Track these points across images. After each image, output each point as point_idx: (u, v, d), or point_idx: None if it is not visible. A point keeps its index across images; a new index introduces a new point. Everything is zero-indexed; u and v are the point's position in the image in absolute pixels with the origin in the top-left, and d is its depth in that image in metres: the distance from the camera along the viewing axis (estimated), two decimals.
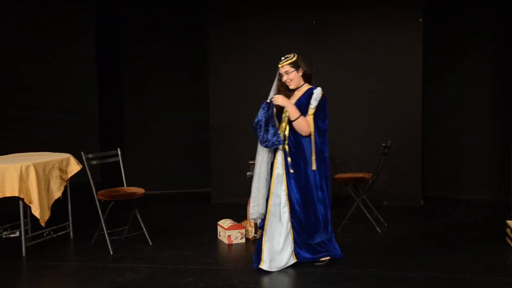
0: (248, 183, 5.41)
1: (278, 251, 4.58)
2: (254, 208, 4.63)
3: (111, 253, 5.11)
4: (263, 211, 4.60)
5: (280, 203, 4.60)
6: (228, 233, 5.41)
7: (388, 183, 6.89)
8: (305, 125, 4.48)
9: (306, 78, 4.66)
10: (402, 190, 6.92)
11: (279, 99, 4.51)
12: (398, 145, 6.59)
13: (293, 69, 4.58)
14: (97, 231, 5.40)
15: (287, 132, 4.58)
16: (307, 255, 4.63)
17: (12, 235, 5.72)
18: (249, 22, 7.11)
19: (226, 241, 5.42)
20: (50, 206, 5.24)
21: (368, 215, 5.83)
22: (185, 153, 8.05)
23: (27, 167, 5.03)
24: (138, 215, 5.38)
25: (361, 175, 5.91)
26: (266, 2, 7.08)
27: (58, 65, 7.05)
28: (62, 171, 5.42)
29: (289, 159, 4.56)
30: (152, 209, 6.89)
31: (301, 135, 4.52)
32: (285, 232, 4.59)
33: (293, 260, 4.62)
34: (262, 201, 4.61)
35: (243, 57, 7.13)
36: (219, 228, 5.60)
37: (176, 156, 8.02)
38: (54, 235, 5.55)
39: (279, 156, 4.61)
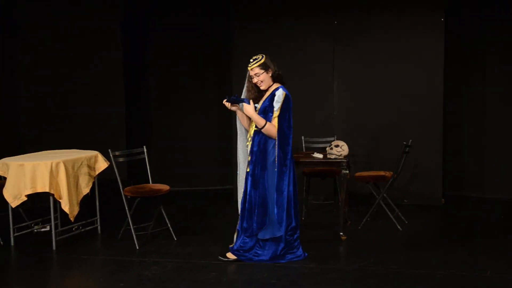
0: None
1: None
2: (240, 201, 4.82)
3: (137, 247, 5.16)
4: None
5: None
6: None
7: (409, 182, 6.83)
8: (273, 130, 4.54)
9: (276, 78, 4.69)
10: (423, 189, 6.85)
11: (248, 109, 4.58)
12: (419, 144, 6.52)
13: (262, 71, 4.61)
14: (123, 227, 5.46)
15: (252, 132, 4.65)
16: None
17: (43, 229, 5.81)
18: (272, 23, 7.10)
19: None
20: (78, 201, 5.30)
21: (389, 213, 5.78)
22: (209, 151, 8.08)
23: (57, 164, 5.10)
24: (163, 211, 5.42)
25: (382, 173, 5.86)
26: (288, 4, 7.06)
27: (86, 67, 7.14)
28: (90, 168, 5.49)
29: (248, 157, 4.67)
30: (177, 206, 6.93)
31: (266, 137, 4.57)
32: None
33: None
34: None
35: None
36: None
37: (200, 154, 8.06)
38: (82, 230, 5.62)
39: (249, 154, 4.71)
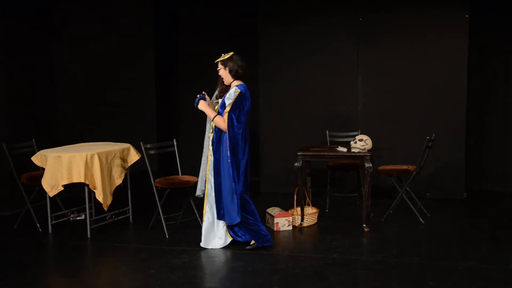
0: (295, 173, 5.42)
1: (207, 228, 4.87)
2: (198, 187, 5.04)
3: (167, 236, 5.21)
4: (202, 187, 5.00)
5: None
6: (276, 220, 5.42)
7: (432, 175, 6.75)
8: (221, 123, 4.74)
9: (236, 76, 4.83)
10: (445, 182, 6.75)
11: (200, 105, 4.90)
12: (443, 138, 6.43)
13: (222, 67, 4.85)
14: (154, 216, 5.52)
15: (213, 124, 4.84)
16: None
17: (78, 218, 5.91)
18: (297, 21, 7.06)
19: (273, 228, 5.44)
20: (112, 192, 5.37)
21: (411, 206, 5.72)
22: None
23: (92, 156, 5.18)
24: (192, 202, 5.46)
25: (405, 167, 5.80)
26: (313, 2, 7.00)
27: (119, 64, 7.21)
28: (123, 160, 5.55)
29: (210, 147, 4.86)
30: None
31: (221, 129, 4.76)
32: (212, 213, 4.87)
33: (229, 239, 4.89)
34: (200, 182, 5.02)
35: (291, 55, 7.10)
36: (267, 216, 5.62)
37: None
38: (115, 219, 5.70)
39: (210, 145, 4.90)
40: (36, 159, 5.35)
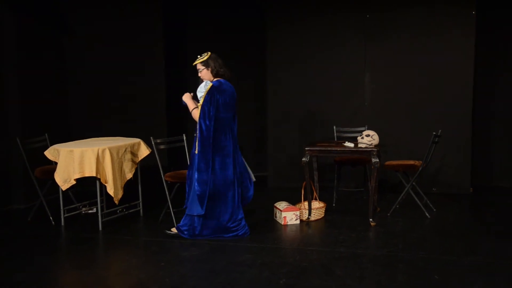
0: (302, 167, 5.41)
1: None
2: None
3: None
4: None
5: None
6: (284, 214, 5.42)
7: (438, 171, 6.71)
8: (196, 115, 4.82)
9: (217, 75, 4.91)
10: (451, 178, 6.71)
11: (184, 96, 4.96)
12: (449, 134, 6.39)
13: (203, 67, 4.90)
14: (164, 210, 5.54)
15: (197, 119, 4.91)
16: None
17: (90, 211, 5.94)
18: (305, 18, 7.03)
19: (281, 222, 5.44)
20: (122, 186, 5.39)
21: (417, 201, 5.69)
22: (244, 139, 8.08)
23: (103, 150, 5.19)
24: None
25: (411, 162, 5.77)
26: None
27: (130, 61, 7.21)
28: (134, 154, 5.57)
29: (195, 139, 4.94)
30: None
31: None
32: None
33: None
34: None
35: (299, 52, 7.07)
36: (275, 210, 5.62)
37: None
38: (126, 212, 5.73)
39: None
40: (49, 153, 5.37)
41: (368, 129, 6.23)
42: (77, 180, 5.19)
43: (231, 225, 4.95)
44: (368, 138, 5.33)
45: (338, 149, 5.41)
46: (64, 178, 5.17)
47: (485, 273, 4.02)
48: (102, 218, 5.35)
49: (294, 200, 5.82)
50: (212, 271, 4.12)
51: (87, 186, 6.27)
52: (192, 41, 8.00)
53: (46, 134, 6.01)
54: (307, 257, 4.44)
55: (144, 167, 5.90)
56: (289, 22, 7.07)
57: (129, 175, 5.47)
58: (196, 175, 4.80)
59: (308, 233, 5.21)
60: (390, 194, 6.37)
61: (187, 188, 4.97)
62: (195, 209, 4.83)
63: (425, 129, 6.42)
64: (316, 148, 5.44)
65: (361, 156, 5.80)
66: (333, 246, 4.70)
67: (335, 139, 6.47)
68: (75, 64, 7.26)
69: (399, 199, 5.78)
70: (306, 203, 5.60)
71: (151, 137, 5.41)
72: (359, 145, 5.38)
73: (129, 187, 5.60)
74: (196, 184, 4.80)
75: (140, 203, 5.85)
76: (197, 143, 4.81)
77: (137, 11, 7.17)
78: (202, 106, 4.78)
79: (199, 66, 4.91)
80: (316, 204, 5.72)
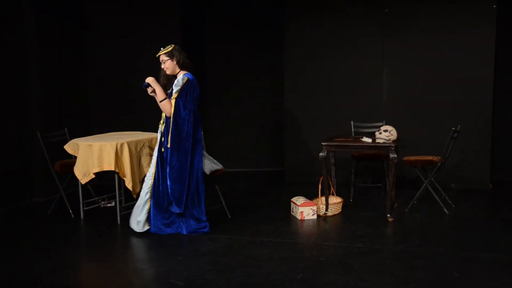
0: (319, 163, 5.38)
1: (136, 214, 4.91)
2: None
3: None
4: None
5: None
6: (301, 209, 5.40)
7: (457, 166, 6.62)
8: (168, 107, 4.74)
9: (182, 66, 4.83)
10: (470, 174, 6.62)
11: (150, 80, 4.79)
12: (468, 129, 6.30)
13: (168, 58, 4.81)
14: None
15: (163, 115, 4.83)
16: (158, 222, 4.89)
17: (108, 205, 5.98)
18: (323, 13, 6.99)
19: (298, 217, 5.41)
20: (141, 180, 5.40)
21: (436, 196, 5.62)
22: (262, 134, 8.09)
23: (122, 145, 5.22)
24: (218, 191, 5.47)
25: (429, 158, 5.70)
26: None
27: (147, 56, 7.19)
28: (152, 149, 5.57)
29: (158, 135, 4.86)
30: (231, 186, 6.98)
31: (168, 116, 4.77)
32: (144, 200, 4.88)
33: (146, 227, 4.90)
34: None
35: (316, 46, 7.03)
36: (292, 205, 5.60)
37: (253, 137, 8.08)
38: None
39: (159, 132, 4.90)
40: (69, 147, 5.41)
41: (386, 124, 6.18)
42: (96, 174, 5.23)
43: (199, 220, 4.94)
44: (386, 134, 5.28)
45: (356, 144, 5.37)
46: (84, 172, 5.20)
47: (505, 269, 3.95)
48: (120, 212, 5.38)
49: (311, 195, 5.79)
50: (229, 265, 4.12)
51: (106, 180, 6.31)
52: (209, 37, 8.01)
53: (65, 129, 6.06)
54: (324, 252, 4.42)
55: None
56: (307, 18, 7.03)
57: (147, 169, 5.47)
58: (168, 171, 4.74)
59: (325, 228, 5.18)
60: (408, 190, 6.30)
61: (156, 187, 4.83)
62: (173, 206, 4.82)
63: (444, 124, 6.33)
64: (334, 143, 5.40)
65: (379, 151, 5.76)
66: (350, 241, 4.67)
67: (353, 134, 6.41)
68: (95, 59, 7.31)
69: (417, 194, 5.71)
70: (323, 198, 5.57)
71: None
72: (377, 141, 5.32)
73: None
74: (168, 181, 4.75)
75: None
76: (169, 137, 4.73)
77: (156, 7, 7.18)
78: (177, 100, 4.72)
79: (163, 57, 4.82)
80: (333, 199, 5.69)
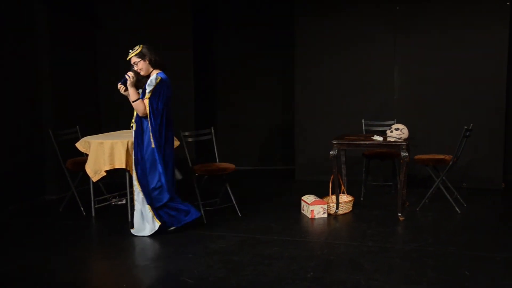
0: (330, 161, 5.37)
1: (137, 216, 4.88)
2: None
3: (205, 222, 5.24)
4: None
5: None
6: (311, 207, 5.39)
7: (469, 165, 6.57)
8: (141, 107, 4.69)
9: (155, 64, 4.79)
10: (482, 173, 6.57)
11: (130, 78, 4.73)
12: (480, 128, 6.25)
13: (139, 59, 4.75)
14: (192, 202, 5.56)
15: (135, 113, 4.81)
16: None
17: (119, 202, 6.02)
18: (333, 10, 6.97)
19: (309, 215, 5.41)
20: None
21: (447, 195, 5.59)
22: (272, 133, 8.09)
23: (133, 143, 5.23)
24: (229, 189, 5.48)
25: (441, 156, 5.66)
26: None
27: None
28: None
29: (132, 134, 4.86)
30: (241, 184, 6.98)
31: (141, 116, 4.74)
32: (140, 199, 4.84)
33: (157, 223, 4.85)
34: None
35: (327, 44, 7.01)
36: (302, 203, 5.60)
37: (263, 136, 8.09)
38: None
39: (133, 132, 4.87)
40: (80, 145, 5.45)
41: (397, 122, 6.15)
42: (107, 172, 5.26)
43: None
44: (398, 132, 5.26)
45: (367, 142, 5.35)
46: (95, 170, 5.24)
47: None
48: (131, 210, 5.40)
49: (321, 194, 5.78)
50: (240, 263, 4.13)
51: (117, 178, 6.35)
52: (219, 36, 8.02)
53: (77, 127, 6.11)
54: (335, 250, 4.41)
55: None
56: (317, 16, 7.01)
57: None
58: (160, 168, 4.76)
59: (335, 227, 5.17)
60: (419, 189, 6.27)
61: (140, 186, 4.83)
62: (165, 196, 4.83)
63: (456, 123, 6.29)
64: (344, 142, 5.39)
65: (390, 150, 5.74)
66: (361, 240, 4.66)
67: (364, 133, 6.39)
68: (106, 57, 7.35)
69: (428, 193, 5.68)
70: (333, 197, 5.56)
71: (180, 130, 5.44)
72: (388, 139, 5.30)
73: None
74: (162, 176, 4.77)
75: None
76: (151, 137, 4.71)
77: (167, 5, 7.21)
78: (150, 100, 4.69)
79: (134, 59, 4.76)
80: (344, 197, 5.68)
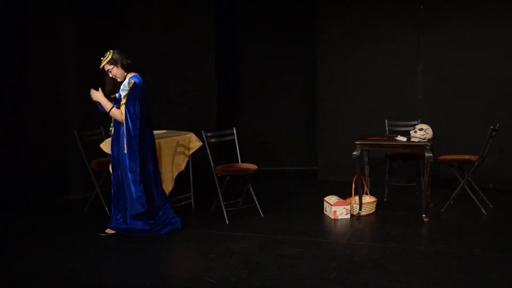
0: (353, 161, 5.34)
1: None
2: None
3: (227, 222, 5.27)
4: None
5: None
6: (334, 208, 5.37)
7: (495, 166, 6.47)
8: (118, 114, 4.66)
9: (129, 68, 4.73)
10: (509, 173, 6.46)
11: (94, 95, 4.74)
12: (507, 128, 6.14)
13: (112, 66, 4.69)
14: (214, 202, 5.60)
15: (112, 119, 4.82)
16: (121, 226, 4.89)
17: None
18: (356, 10, 6.94)
19: (331, 216, 5.39)
20: (174, 178, 5.47)
21: (473, 196, 5.51)
22: (295, 133, 8.09)
23: (158, 143, 5.28)
24: (251, 189, 5.49)
25: (466, 157, 5.59)
26: None
27: (182, 55, 7.33)
28: (185, 147, 5.65)
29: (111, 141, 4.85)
30: (264, 184, 6.99)
31: (118, 122, 4.69)
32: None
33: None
34: None
35: (350, 44, 6.99)
36: (325, 204, 5.58)
37: (286, 136, 8.08)
38: (178, 204, 5.81)
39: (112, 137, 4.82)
40: (104, 146, 5.52)
41: (421, 122, 6.08)
42: None
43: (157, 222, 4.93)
44: (422, 132, 5.20)
45: (390, 143, 5.31)
46: None
47: None
48: None
49: (344, 195, 5.76)
50: (262, 264, 4.14)
51: None
52: (242, 36, 8.05)
53: (101, 127, 6.19)
54: (358, 252, 4.39)
55: (195, 160, 5.98)
56: (340, 15, 6.99)
57: (180, 168, 5.56)
58: (129, 176, 4.71)
59: (358, 228, 5.15)
60: (444, 190, 6.20)
61: (114, 188, 4.86)
62: (137, 208, 4.77)
63: (482, 123, 6.18)
64: (367, 142, 5.36)
65: (414, 150, 5.68)
66: (384, 241, 4.63)
67: (387, 133, 6.34)
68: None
69: (453, 194, 5.61)
70: (356, 198, 5.53)
71: (202, 131, 5.47)
72: (412, 139, 5.26)
73: (180, 179, 5.69)
74: (132, 186, 4.72)
75: (192, 196, 5.94)
76: (125, 142, 4.66)
77: (189, 7, 7.26)
78: (127, 105, 4.65)
79: (107, 67, 4.72)
80: (367, 198, 5.65)
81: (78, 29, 6.54)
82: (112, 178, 4.95)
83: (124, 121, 4.68)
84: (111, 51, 4.77)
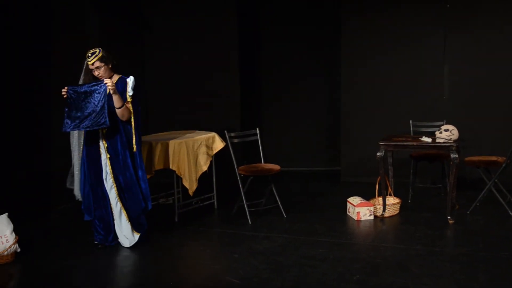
0: (376, 162, 5.29)
1: (118, 229, 4.70)
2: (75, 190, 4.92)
3: (250, 222, 5.28)
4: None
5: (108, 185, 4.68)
6: (357, 209, 5.33)
7: None
8: (128, 111, 4.57)
9: (115, 68, 4.67)
10: None
11: (110, 87, 4.45)
12: None
13: (103, 64, 4.57)
14: (237, 203, 5.60)
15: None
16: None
17: (167, 202, 6.13)
18: (381, 9, 6.87)
19: (355, 217, 5.35)
20: (197, 178, 5.49)
21: (500, 198, 5.41)
22: (318, 133, 8.05)
23: (180, 144, 5.33)
24: (274, 190, 5.49)
25: (493, 158, 5.48)
26: None
27: (205, 56, 7.35)
28: (208, 147, 5.67)
29: (105, 143, 4.61)
30: (287, 185, 6.98)
31: (119, 120, 4.57)
32: (117, 212, 4.66)
33: (137, 235, 4.72)
34: (77, 186, 4.89)
35: (374, 43, 6.92)
36: (348, 205, 5.54)
37: (309, 137, 8.05)
38: (201, 204, 5.85)
39: (101, 141, 4.63)
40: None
41: (447, 123, 5.99)
42: (154, 172, 5.36)
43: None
44: (447, 133, 5.13)
45: (415, 144, 5.25)
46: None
47: None
48: (178, 209, 5.50)
49: (368, 196, 5.70)
50: (284, 264, 4.14)
51: (163, 178, 6.46)
52: (265, 36, 8.05)
53: None
54: (381, 253, 4.35)
55: (219, 160, 6.00)
56: (364, 14, 6.94)
57: (204, 168, 5.58)
58: (140, 174, 4.68)
59: (382, 229, 5.10)
60: (470, 191, 6.09)
61: (119, 193, 4.66)
62: (149, 205, 4.75)
63: (509, 123, 6.08)
64: (392, 143, 5.30)
65: (439, 151, 5.61)
66: (408, 243, 4.57)
67: (411, 134, 6.27)
68: (153, 59, 7.51)
69: (480, 196, 5.51)
70: (380, 199, 5.48)
71: (225, 131, 5.49)
72: (437, 140, 5.18)
73: (204, 179, 5.71)
74: (142, 183, 4.68)
75: (215, 196, 5.96)
76: (134, 141, 4.59)
77: (212, 8, 7.29)
78: (134, 102, 4.58)
79: (98, 64, 4.51)
80: (391, 200, 5.59)
81: (103, 30, 6.61)
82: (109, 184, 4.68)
83: (133, 118, 4.62)
84: (100, 49, 4.62)
